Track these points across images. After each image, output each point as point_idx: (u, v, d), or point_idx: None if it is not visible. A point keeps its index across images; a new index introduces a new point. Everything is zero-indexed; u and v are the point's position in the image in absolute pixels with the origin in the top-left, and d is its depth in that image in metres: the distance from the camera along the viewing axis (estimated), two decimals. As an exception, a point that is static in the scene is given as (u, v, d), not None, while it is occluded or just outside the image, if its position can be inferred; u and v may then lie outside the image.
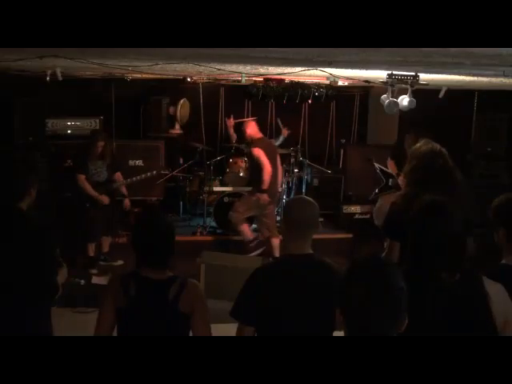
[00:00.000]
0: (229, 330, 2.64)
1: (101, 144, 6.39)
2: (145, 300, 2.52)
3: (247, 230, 6.84)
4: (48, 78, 5.62)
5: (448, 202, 2.33)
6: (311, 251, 2.60)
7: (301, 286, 2.50)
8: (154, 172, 7.02)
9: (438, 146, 3.68)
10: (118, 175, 6.65)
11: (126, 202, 6.61)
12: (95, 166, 6.40)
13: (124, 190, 6.65)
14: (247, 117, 8.88)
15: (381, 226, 3.87)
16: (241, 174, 7.73)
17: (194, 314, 2.55)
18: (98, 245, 6.61)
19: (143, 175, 6.85)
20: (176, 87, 7.86)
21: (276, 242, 6.73)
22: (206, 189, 7.58)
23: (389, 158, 7.08)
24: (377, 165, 7.69)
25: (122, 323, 2.55)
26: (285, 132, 8.10)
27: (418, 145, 3.72)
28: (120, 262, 6.60)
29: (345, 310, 1.63)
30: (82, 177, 6.33)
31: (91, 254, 6.49)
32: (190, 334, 2.59)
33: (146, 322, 2.51)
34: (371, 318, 1.57)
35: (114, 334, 2.61)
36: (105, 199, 6.36)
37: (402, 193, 3.67)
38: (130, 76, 6.85)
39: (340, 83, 7.06)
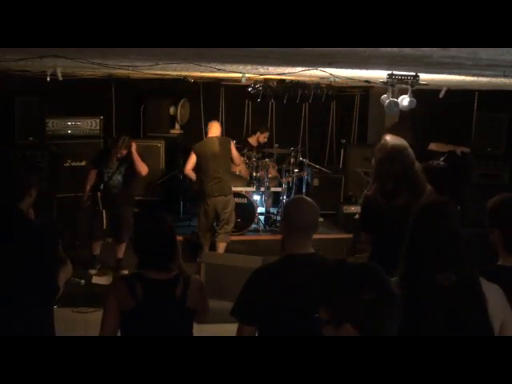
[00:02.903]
0: (229, 329, 2.64)
1: (122, 151, 6.24)
2: (153, 301, 2.52)
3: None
4: (48, 78, 5.62)
5: (447, 202, 2.33)
6: (313, 250, 2.60)
7: (302, 286, 2.50)
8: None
9: (404, 142, 3.80)
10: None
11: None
12: (108, 167, 6.30)
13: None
14: (247, 117, 8.91)
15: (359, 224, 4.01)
16: (240, 174, 7.74)
17: (199, 308, 2.61)
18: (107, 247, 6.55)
19: None
20: (176, 87, 7.87)
21: (206, 248, 6.71)
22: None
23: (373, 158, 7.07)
24: (359, 169, 7.70)
25: (128, 325, 2.55)
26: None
27: (384, 139, 3.85)
28: (125, 272, 6.54)
29: (351, 315, 1.62)
30: (92, 171, 6.34)
31: (95, 252, 6.45)
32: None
33: (155, 323, 2.52)
34: (379, 317, 1.56)
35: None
36: (85, 201, 6.32)
37: (372, 187, 3.76)
38: (130, 76, 6.85)
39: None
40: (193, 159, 6.65)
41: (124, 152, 6.25)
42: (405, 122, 6.75)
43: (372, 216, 3.71)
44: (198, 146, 6.72)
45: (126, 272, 6.46)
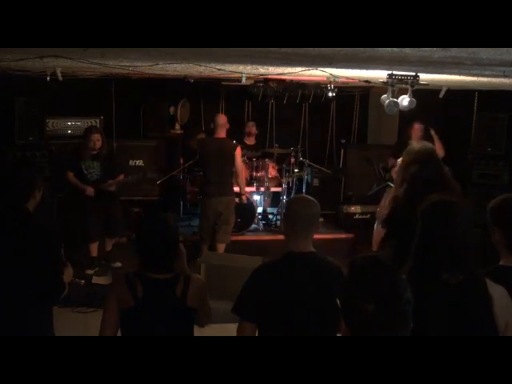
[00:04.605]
0: (229, 329, 2.64)
1: (96, 137, 6.17)
2: (153, 300, 2.53)
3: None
4: (48, 78, 5.62)
5: (455, 201, 2.34)
6: (313, 249, 2.60)
7: (302, 284, 2.50)
8: (136, 176, 6.70)
9: (432, 145, 3.86)
10: (121, 178, 6.42)
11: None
12: (86, 165, 6.23)
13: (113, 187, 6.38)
14: (247, 117, 8.90)
15: (383, 221, 3.98)
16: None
17: (200, 307, 2.60)
18: (100, 245, 6.58)
19: (130, 177, 6.58)
20: (176, 87, 7.86)
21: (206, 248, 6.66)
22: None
23: (390, 158, 7.07)
24: (377, 165, 7.70)
25: (128, 324, 2.55)
26: None
27: (414, 143, 3.90)
28: (118, 264, 6.58)
29: (350, 321, 1.61)
30: (70, 174, 6.21)
31: (94, 254, 6.47)
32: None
33: (156, 322, 2.52)
34: (377, 329, 1.55)
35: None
36: (90, 190, 6.15)
37: (403, 188, 3.76)
38: (130, 76, 6.84)
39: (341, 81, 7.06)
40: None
41: (98, 143, 6.19)
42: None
43: (398, 217, 3.73)
44: (203, 142, 6.69)
45: (119, 264, 6.53)
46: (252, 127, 8.28)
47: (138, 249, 2.60)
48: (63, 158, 6.62)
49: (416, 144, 3.91)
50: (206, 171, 6.56)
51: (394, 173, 6.66)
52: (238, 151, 6.55)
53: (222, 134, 6.51)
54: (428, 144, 3.91)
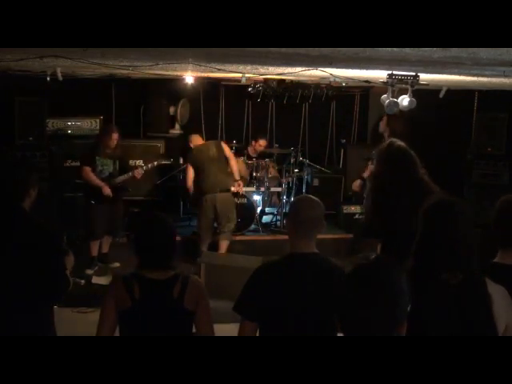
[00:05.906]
0: (229, 329, 2.64)
1: (115, 136, 6.26)
2: (150, 301, 2.53)
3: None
4: (48, 78, 5.62)
5: (456, 201, 2.33)
6: (316, 250, 2.60)
7: (304, 285, 2.50)
8: (155, 163, 6.84)
9: (403, 144, 3.84)
10: (139, 171, 6.54)
11: (137, 172, 6.47)
12: (102, 162, 6.30)
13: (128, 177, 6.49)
14: (247, 117, 8.90)
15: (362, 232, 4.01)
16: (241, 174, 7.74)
17: (197, 310, 2.58)
18: (99, 244, 6.59)
19: (145, 167, 6.66)
20: (176, 87, 7.87)
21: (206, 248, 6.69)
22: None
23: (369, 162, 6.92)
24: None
25: (126, 325, 2.55)
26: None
27: (385, 142, 3.88)
28: (116, 265, 6.58)
29: (342, 315, 1.62)
30: (88, 169, 6.23)
31: (94, 253, 6.47)
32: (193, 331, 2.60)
33: (153, 323, 2.52)
34: (368, 325, 1.56)
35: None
36: (107, 190, 6.20)
37: (371, 198, 3.79)
38: (130, 76, 6.85)
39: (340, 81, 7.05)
40: (191, 172, 6.72)
41: (116, 141, 6.28)
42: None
43: (372, 228, 3.74)
44: (192, 156, 6.77)
45: (117, 264, 6.55)
46: (263, 145, 8.28)
47: (136, 248, 2.61)
48: (82, 155, 6.56)
49: (384, 146, 3.88)
50: (201, 174, 6.62)
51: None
52: (224, 144, 6.84)
53: (201, 141, 6.91)
54: (397, 145, 3.86)
